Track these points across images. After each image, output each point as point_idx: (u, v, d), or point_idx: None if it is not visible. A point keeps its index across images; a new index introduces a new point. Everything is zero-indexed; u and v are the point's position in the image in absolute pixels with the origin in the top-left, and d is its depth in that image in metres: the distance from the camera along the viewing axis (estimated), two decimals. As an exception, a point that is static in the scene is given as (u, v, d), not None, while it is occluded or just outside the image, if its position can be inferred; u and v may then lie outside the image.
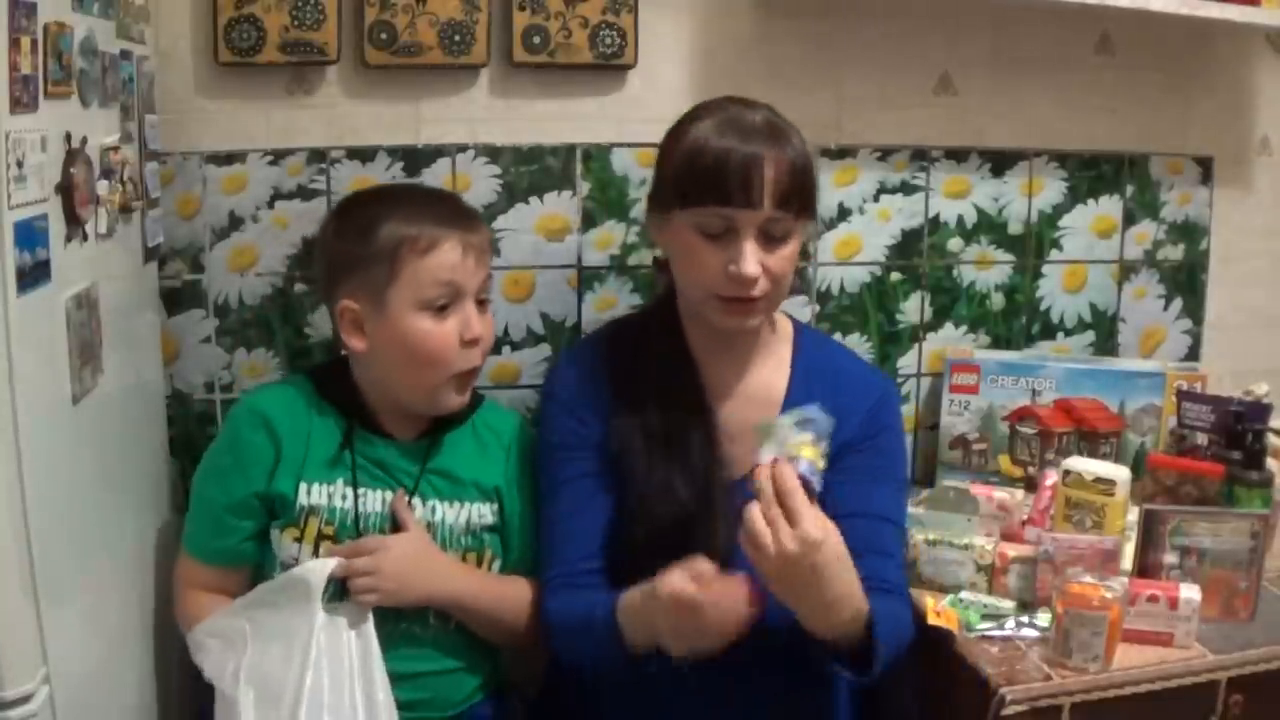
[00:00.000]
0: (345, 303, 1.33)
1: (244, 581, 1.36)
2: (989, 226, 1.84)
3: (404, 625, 1.34)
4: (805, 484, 1.11)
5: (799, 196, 1.26)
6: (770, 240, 1.26)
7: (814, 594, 1.12)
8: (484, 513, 1.39)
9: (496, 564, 1.40)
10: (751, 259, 1.24)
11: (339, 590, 1.29)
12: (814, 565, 1.09)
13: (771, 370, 1.39)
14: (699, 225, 1.26)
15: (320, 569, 1.27)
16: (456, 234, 1.32)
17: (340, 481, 1.34)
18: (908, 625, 1.28)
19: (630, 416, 1.33)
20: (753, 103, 1.31)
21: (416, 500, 1.36)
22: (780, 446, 1.13)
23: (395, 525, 1.34)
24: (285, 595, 1.27)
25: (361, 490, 1.35)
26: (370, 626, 1.27)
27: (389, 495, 1.35)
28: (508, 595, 1.37)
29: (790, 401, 1.36)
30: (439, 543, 1.36)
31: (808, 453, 1.13)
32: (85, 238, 1.16)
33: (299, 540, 1.33)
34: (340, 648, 1.25)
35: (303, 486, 1.33)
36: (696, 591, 1.11)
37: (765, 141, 1.25)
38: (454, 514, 1.37)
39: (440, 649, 1.37)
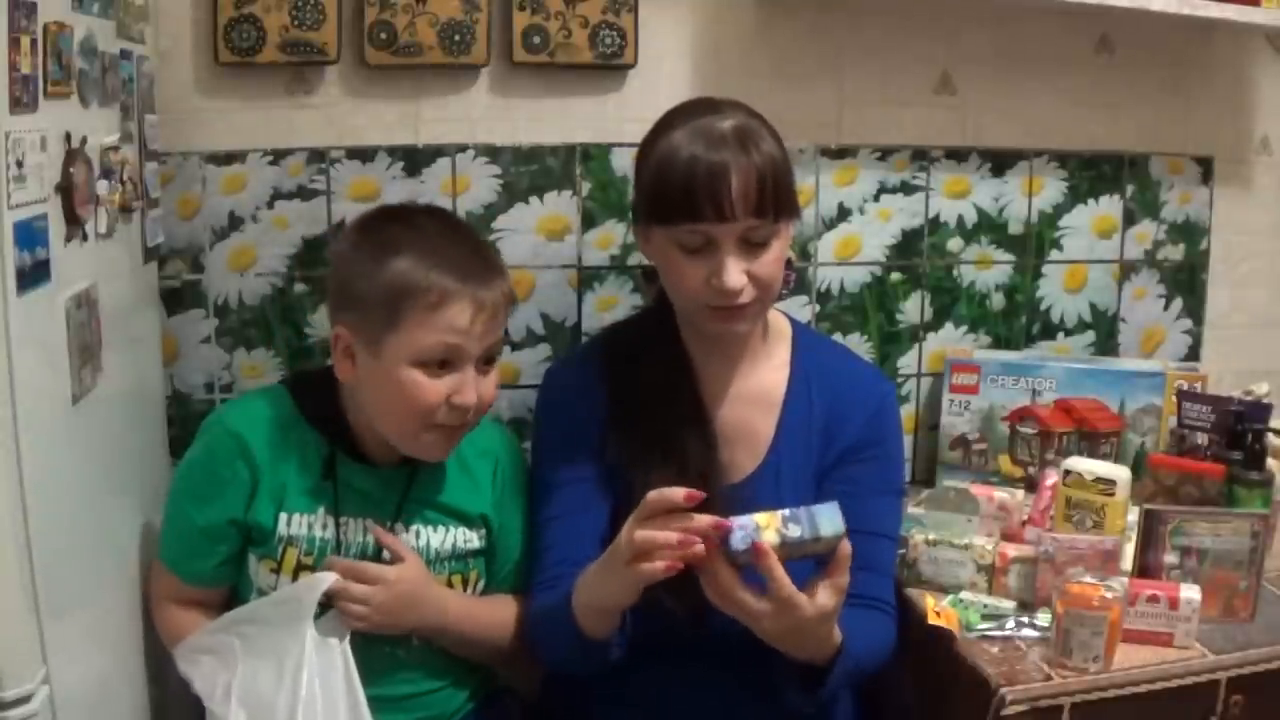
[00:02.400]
0: (341, 330, 1.26)
1: (221, 599, 1.33)
2: (989, 226, 1.84)
3: (387, 649, 1.30)
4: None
5: (774, 202, 1.22)
6: (752, 246, 1.23)
7: (786, 642, 1.14)
8: (470, 537, 1.35)
9: (481, 584, 1.37)
10: (733, 271, 1.22)
11: (323, 606, 1.26)
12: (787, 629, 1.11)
13: (770, 372, 1.38)
14: (677, 242, 1.24)
15: (314, 587, 1.24)
16: (470, 291, 1.22)
17: (321, 510, 1.29)
18: (890, 642, 1.31)
19: (627, 421, 1.32)
20: (722, 106, 1.26)
21: (400, 526, 1.31)
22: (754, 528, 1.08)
23: (378, 553, 1.30)
24: (277, 612, 1.24)
25: (344, 519, 1.30)
26: (347, 644, 1.24)
27: (372, 523, 1.30)
28: (491, 619, 1.35)
29: (790, 403, 1.36)
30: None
31: (762, 520, 1.08)
32: (85, 238, 1.16)
33: (276, 571, 1.29)
34: (332, 670, 1.22)
35: (282, 517, 1.28)
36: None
37: (733, 149, 1.20)
38: (439, 539, 1.33)
39: (426, 669, 1.34)
